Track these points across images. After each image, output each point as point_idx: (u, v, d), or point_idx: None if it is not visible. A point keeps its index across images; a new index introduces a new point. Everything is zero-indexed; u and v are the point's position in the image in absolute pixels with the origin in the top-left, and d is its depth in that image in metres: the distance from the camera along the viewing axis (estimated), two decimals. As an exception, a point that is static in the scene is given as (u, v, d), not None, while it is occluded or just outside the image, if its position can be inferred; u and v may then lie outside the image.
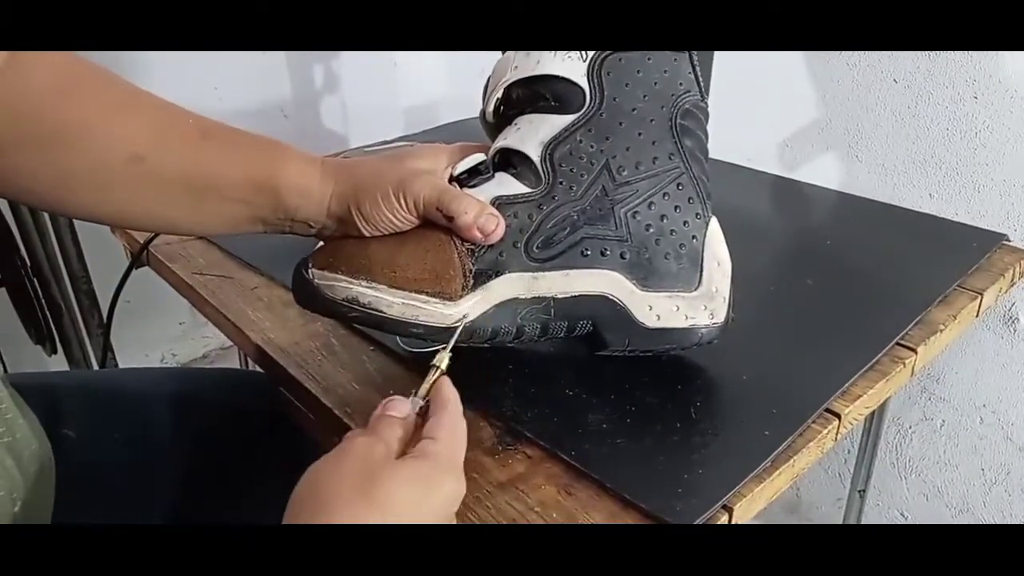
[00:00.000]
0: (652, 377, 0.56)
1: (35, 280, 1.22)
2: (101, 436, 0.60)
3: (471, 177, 0.53)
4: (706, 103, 0.55)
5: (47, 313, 1.24)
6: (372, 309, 0.48)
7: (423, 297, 0.48)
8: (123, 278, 0.75)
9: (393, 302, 0.48)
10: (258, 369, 0.65)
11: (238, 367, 1.05)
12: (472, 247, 0.50)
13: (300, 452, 0.71)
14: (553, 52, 0.53)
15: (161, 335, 1.71)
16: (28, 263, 1.20)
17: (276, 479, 0.69)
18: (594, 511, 0.46)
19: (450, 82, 1.80)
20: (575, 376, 0.56)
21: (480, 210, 0.49)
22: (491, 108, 0.56)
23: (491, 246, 0.50)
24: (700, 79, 0.55)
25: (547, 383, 0.56)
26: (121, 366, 1.38)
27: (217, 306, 0.68)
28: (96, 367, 1.32)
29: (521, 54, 0.54)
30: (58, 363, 1.30)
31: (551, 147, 0.52)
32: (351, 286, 0.49)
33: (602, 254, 0.51)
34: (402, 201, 0.49)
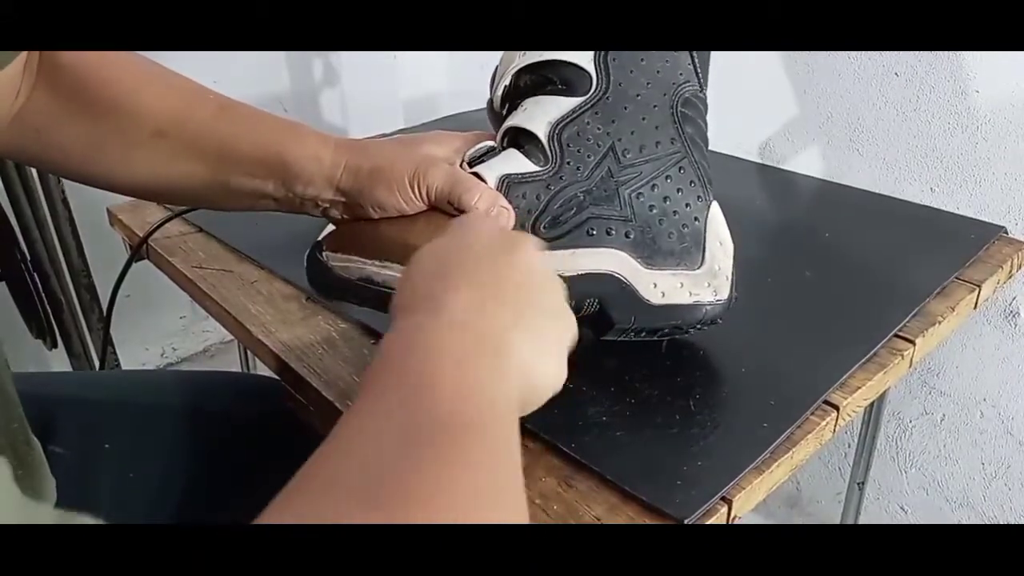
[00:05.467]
0: (651, 370, 0.56)
1: (35, 274, 1.22)
2: (94, 447, 0.59)
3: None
4: (704, 94, 0.56)
5: (47, 307, 1.24)
6: (386, 288, 0.49)
7: None
8: (122, 272, 0.75)
9: None
10: (259, 363, 0.65)
11: (239, 363, 1.05)
12: None
13: (305, 457, 0.70)
14: None
15: (161, 329, 1.71)
16: (28, 257, 1.20)
17: (280, 487, 0.68)
18: (594, 503, 0.47)
19: (450, 74, 1.79)
20: (575, 369, 0.56)
21: (490, 204, 0.49)
22: (499, 94, 0.56)
23: None
24: (699, 71, 0.56)
25: (547, 376, 0.56)
26: (122, 361, 1.39)
27: (218, 300, 0.68)
28: (96, 362, 1.32)
29: None
30: (58, 357, 1.30)
31: (559, 127, 0.53)
32: (364, 266, 0.49)
33: (607, 233, 0.52)
34: (416, 191, 0.50)
